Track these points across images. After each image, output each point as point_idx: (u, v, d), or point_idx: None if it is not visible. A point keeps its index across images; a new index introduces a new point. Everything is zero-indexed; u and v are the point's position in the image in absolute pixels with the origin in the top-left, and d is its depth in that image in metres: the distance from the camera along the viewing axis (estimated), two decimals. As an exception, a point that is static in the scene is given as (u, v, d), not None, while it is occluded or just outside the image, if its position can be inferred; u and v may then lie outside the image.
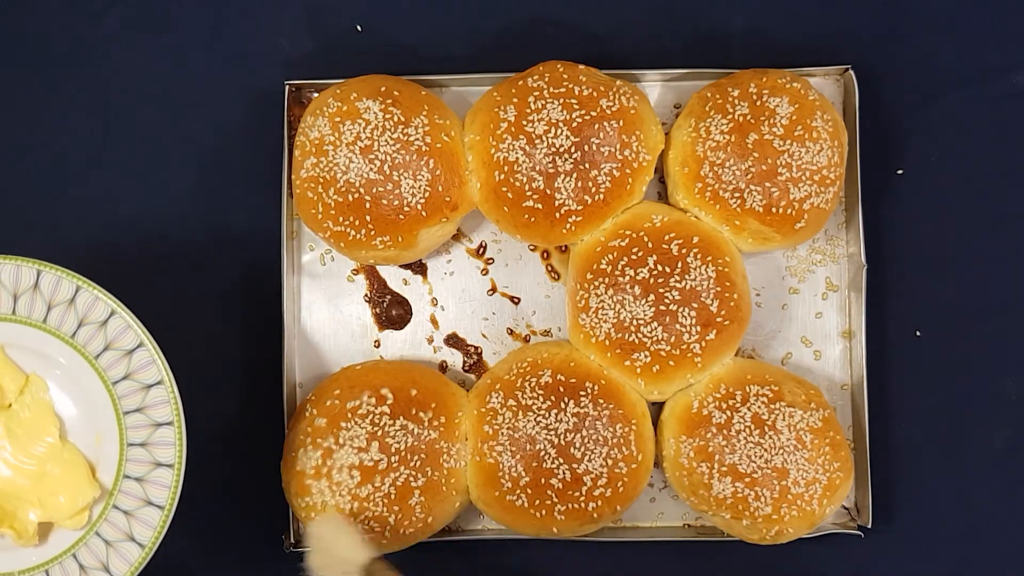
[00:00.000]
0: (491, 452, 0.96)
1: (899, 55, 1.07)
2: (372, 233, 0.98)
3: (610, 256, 0.98)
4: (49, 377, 0.93)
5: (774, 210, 0.98)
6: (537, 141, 0.97)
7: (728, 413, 0.96)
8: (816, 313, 1.05)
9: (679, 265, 0.97)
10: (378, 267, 1.06)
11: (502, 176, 0.97)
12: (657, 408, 1.02)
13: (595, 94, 0.98)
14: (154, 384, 0.91)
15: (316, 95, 1.03)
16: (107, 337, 0.91)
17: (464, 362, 1.05)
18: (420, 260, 1.05)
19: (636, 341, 0.96)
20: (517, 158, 0.97)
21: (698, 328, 0.96)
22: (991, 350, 1.05)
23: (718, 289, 0.97)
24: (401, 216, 0.97)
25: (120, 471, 0.92)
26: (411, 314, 1.06)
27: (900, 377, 1.05)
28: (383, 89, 0.98)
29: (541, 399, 0.96)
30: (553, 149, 0.97)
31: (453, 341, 1.05)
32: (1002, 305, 1.06)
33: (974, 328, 1.05)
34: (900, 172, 1.06)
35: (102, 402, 0.92)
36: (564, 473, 0.95)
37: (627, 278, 0.97)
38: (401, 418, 0.96)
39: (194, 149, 1.07)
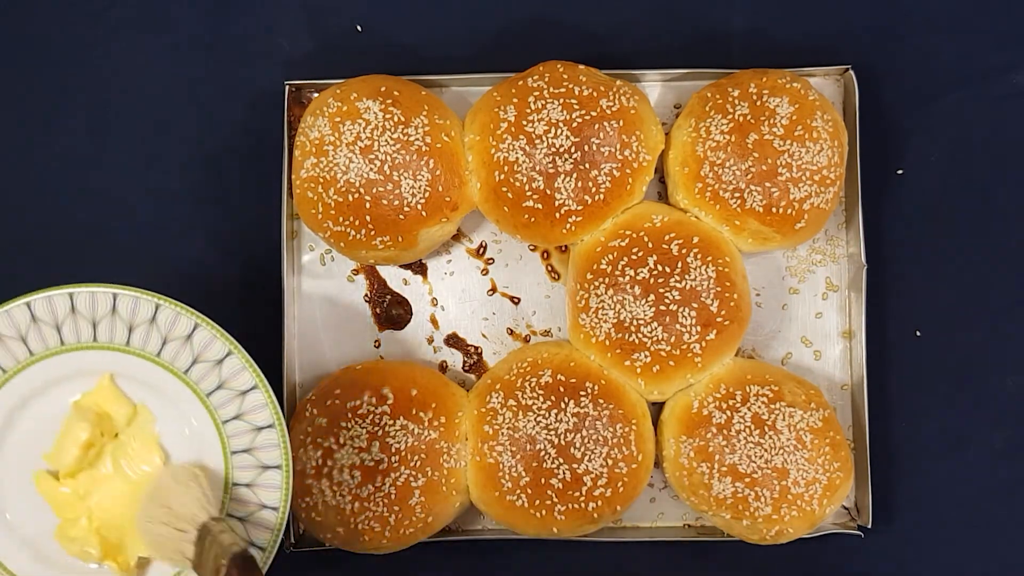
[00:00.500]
0: (491, 452, 0.96)
1: (899, 55, 1.07)
2: (372, 233, 0.98)
3: (610, 256, 0.98)
4: (158, 410, 0.92)
5: (774, 210, 0.98)
6: (537, 141, 0.97)
7: (728, 413, 0.96)
8: (816, 313, 1.05)
9: (679, 265, 0.97)
10: (378, 267, 1.06)
11: (502, 176, 0.97)
12: (657, 408, 1.02)
13: (595, 94, 0.98)
14: (265, 427, 0.90)
15: (316, 95, 1.03)
16: (221, 376, 0.90)
17: (464, 362, 1.06)
18: (420, 260, 1.05)
19: (636, 341, 0.96)
20: (517, 158, 0.97)
21: (698, 328, 0.96)
22: (991, 350, 1.05)
23: (718, 289, 0.97)
24: (401, 216, 0.97)
25: (223, 510, 0.91)
26: (411, 314, 1.06)
27: (900, 377, 1.05)
28: (383, 89, 0.98)
29: (541, 399, 0.96)
30: (553, 149, 0.97)
31: (453, 341, 1.05)
32: (1002, 305, 1.06)
33: (974, 328, 1.05)
34: (900, 172, 1.06)
35: (210, 440, 0.91)
36: (564, 473, 0.95)
37: (627, 278, 0.97)
38: (401, 418, 0.96)
39: (194, 149, 1.07)
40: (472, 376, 1.05)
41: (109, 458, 0.92)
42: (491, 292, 1.06)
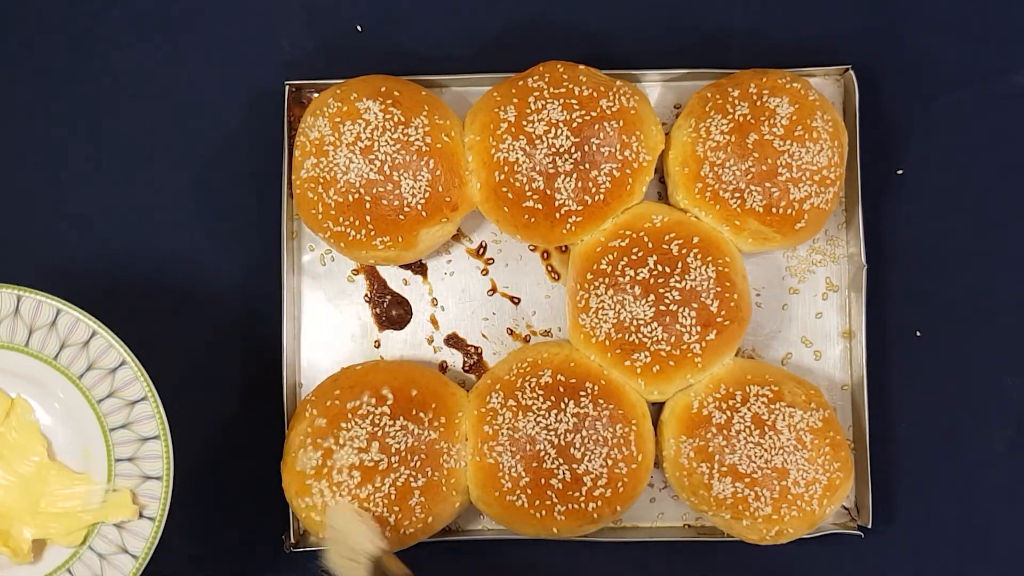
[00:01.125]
0: (491, 452, 0.96)
1: (899, 55, 1.07)
2: (372, 233, 0.98)
3: (610, 256, 0.98)
4: (34, 399, 0.96)
5: (774, 210, 0.98)
6: (537, 141, 0.97)
7: (728, 413, 0.96)
8: (816, 313, 1.05)
9: (679, 265, 0.97)
10: (378, 267, 1.06)
11: (502, 176, 0.97)
12: (657, 408, 1.02)
13: (595, 94, 0.98)
14: (139, 400, 0.93)
15: (316, 95, 1.03)
16: (90, 357, 0.93)
17: (464, 362, 1.06)
18: (420, 260, 1.05)
19: (636, 341, 0.96)
20: (517, 158, 0.97)
21: (698, 328, 0.96)
22: (991, 350, 1.05)
23: (718, 289, 0.97)
24: (401, 216, 0.97)
25: (111, 486, 0.94)
26: (411, 314, 1.06)
27: (900, 377, 1.05)
28: (383, 89, 0.98)
29: (541, 399, 0.96)
30: (553, 149, 0.97)
31: (453, 341, 1.05)
32: (1002, 305, 1.06)
33: (974, 328, 1.05)
34: (900, 172, 1.06)
35: (88, 421, 0.94)
36: (564, 473, 0.95)
37: (627, 278, 0.97)
38: (401, 418, 0.96)
39: (194, 149, 1.07)
40: (472, 376, 1.05)
41: None
42: (491, 292, 1.06)
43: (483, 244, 1.06)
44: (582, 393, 0.96)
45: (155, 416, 0.93)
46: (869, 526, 1.01)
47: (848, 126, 1.03)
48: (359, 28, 1.08)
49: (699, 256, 0.97)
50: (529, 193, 0.97)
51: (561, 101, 0.97)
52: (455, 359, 1.06)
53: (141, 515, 0.93)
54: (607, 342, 0.97)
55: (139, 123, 1.07)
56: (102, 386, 0.93)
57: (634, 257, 0.97)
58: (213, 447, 1.05)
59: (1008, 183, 1.06)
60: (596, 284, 0.98)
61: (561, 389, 0.96)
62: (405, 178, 0.97)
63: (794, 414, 0.96)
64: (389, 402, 0.96)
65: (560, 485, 0.95)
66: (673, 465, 0.98)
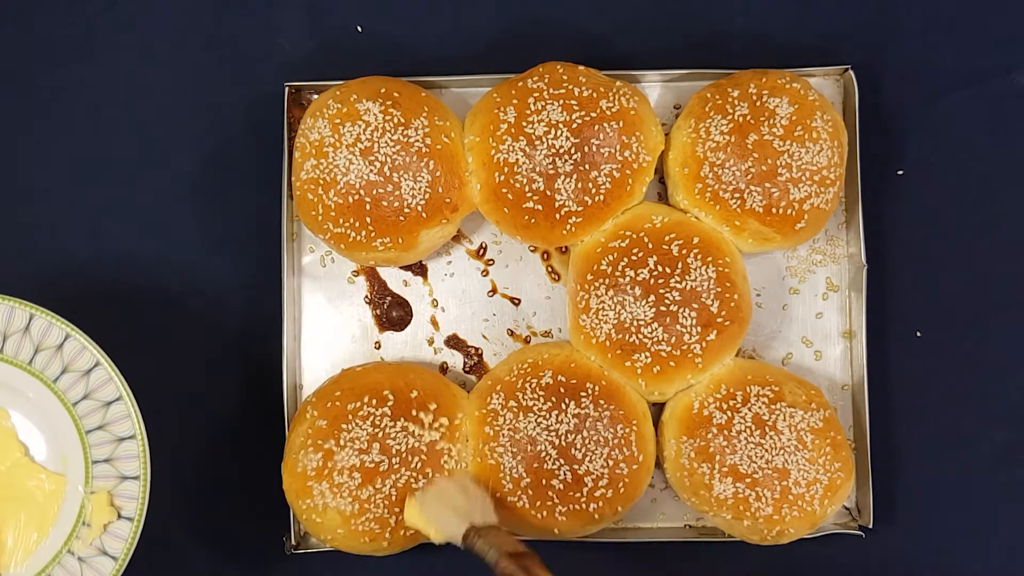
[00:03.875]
0: (492, 453, 0.96)
1: (899, 55, 1.07)
2: (372, 235, 0.98)
3: (610, 257, 0.98)
4: (9, 405, 0.96)
5: (774, 210, 0.98)
6: (537, 142, 0.97)
7: (729, 413, 0.96)
8: (816, 313, 1.05)
9: (679, 266, 0.97)
10: (378, 268, 1.06)
11: (502, 177, 0.97)
12: (658, 409, 1.02)
13: (595, 95, 0.98)
14: (113, 401, 0.93)
15: (316, 97, 1.03)
16: (64, 360, 0.93)
17: (465, 363, 1.06)
18: (420, 261, 1.05)
19: (636, 342, 0.96)
20: (517, 159, 0.97)
21: (698, 329, 0.96)
22: (991, 350, 1.05)
23: (718, 290, 0.97)
24: (401, 218, 0.97)
25: (88, 488, 0.94)
26: (411, 315, 1.06)
27: (900, 377, 1.05)
28: (383, 91, 0.98)
29: (542, 400, 0.96)
30: (553, 150, 0.97)
31: (454, 342, 1.05)
32: (1002, 305, 1.06)
33: (974, 328, 1.05)
34: (900, 172, 1.06)
35: (64, 424, 0.94)
36: (565, 474, 0.95)
37: (627, 279, 0.97)
38: (402, 419, 0.96)
39: (194, 150, 1.07)
40: (472, 377, 1.05)
41: None
42: (491, 293, 1.06)
43: (483, 245, 1.06)
44: (583, 394, 0.96)
45: (130, 415, 0.93)
46: (870, 526, 1.01)
47: (848, 126, 1.03)
48: (359, 29, 1.08)
49: (699, 256, 0.97)
50: (529, 194, 0.97)
51: (561, 102, 0.97)
52: (455, 360, 1.06)
53: (120, 516, 0.93)
54: (607, 343, 0.97)
55: (139, 124, 1.07)
56: (77, 388, 0.94)
57: (634, 258, 0.97)
58: (213, 448, 1.05)
59: (1008, 183, 1.06)
60: (596, 285, 0.98)
61: (562, 390, 0.96)
62: (405, 179, 0.97)
63: (795, 414, 0.96)
64: (390, 403, 0.96)
65: (561, 486, 0.95)
66: (674, 466, 0.98)
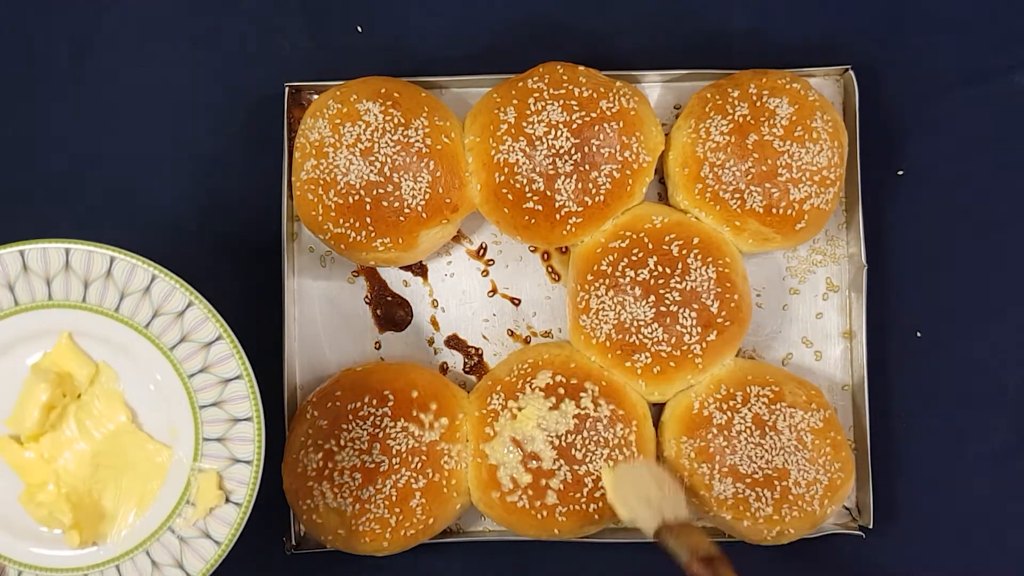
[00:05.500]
0: (492, 453, 0.96)
1: (899, 55, 1.07)
2: (372, 235, 0.98)
3: (610, 257, 0.98)
4: (121, 367, 0.90)
5: (774, 211, 0.98)
6: (537, 143, 0.96)
7: (729, 414, 0.96)
8: (817, 313, 1.05)
9: (679, 266, 0.97)
10: (378, 269, 1.06)
11: (502, 178, 0.97)
12: (658, 409, 1.02)
13: (595, 95, 0.98)
14: (233, 379, 0.88)
15: (316, 97, 1.03)
16: (183, 328, 0.88)
17: (465, 363, 1.05)
18: (420, 262, 1.05)
19: (637, 342, 0.96)
20: (517, 159, 0.97)
21: (699, 329, 0.96)
22: (991, 350, 1.05)
23: (719, 290, 0.97)
24: (401, 218, 0.97)
25: (196, 466, 0.89)
26: (411, 316, 1.06)
27: (900, 377, 1.05)
28: (383, 91, 0.98)
29: (542, 400, 0.96)
30: (553, 150, 0.96)
31: (454, 342, 1.05)
32: (1002, 305, 1.06)
33: (974, 328, 1.05)
34: (900, 172, 1.06)
35: (177, 395, 0.89)
36: (565, 474, 0.95)
37: (627, 279, 0.97)
38: (402, 420, 0.96)
39: (194, 150, 1.07)
40: (473, 377, 1.05)
41: (73, 419, 0.90)
42: (491, 293, 1.06)
43: (483, 245, 1.06)
44: (583, 394, 0.96)
45: (249, 396, 0.87)
46: (870, 526, 1.01)
47: (848, 126, 1.03)
48: (359, 29, 1.08)
49: (699, 257, 0.97)
50: (529, 194, 0.97)
51: (561, 102, 0.97)
52: (456, 360, 1.06)
53: (228, 500, 0.88)
54: (607, 343, 0.97)
55: (139, 124, 1.07)
56: (195, 360, 0.88)
57: (634, 258, 0.97)
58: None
59: (1008, 183, 1.06)
60: (596, 285, 0.98)
61: (562, 390, 0.96)
62: (405, 180, 0.97)
63: (795, 414, 0.96)
64: (390, 404, 0.96)
65: (561, 486, 0.95)
66: (674, 466, 0.98)
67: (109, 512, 0.90)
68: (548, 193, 0.97)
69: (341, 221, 0.98)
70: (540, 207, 0.97)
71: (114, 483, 0.90)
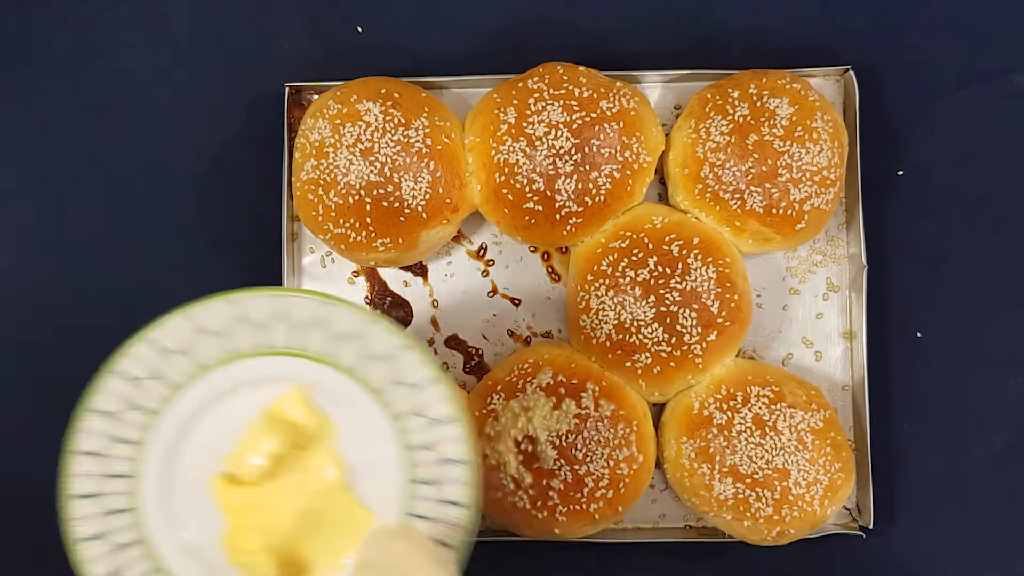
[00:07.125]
0: (493, 453, 0.96)
1: (899, 55, 1.07)
2: (373, 235, 0.98)
3: (610, 257, 0.98)
4: (344, 425, 0.85)
5: (774, 211, 0.98)
6: (537, 143, 0.96)
7: (729, 414, 0.96)
8: (817, 314, 1.05)
9: (680, 266, 0.97)
10: (378, 269, 1.06)
11: (502, 178, 0.97)
12: (658, 409, 1.02)
13: (595, 96, 0.98)
14: (454, 460, 0.83)
15: (316, 97, 1.03)
16: (420, 402, 0.84)
17: (465, 363, 1.06)
18: (420, 262, 1.05)
19: (637, 342, 0.96)
20: (517, 160, 0.97)
21: (699, 329, 0.96)
22: (991, 350, 1.05)
23: (719, 290, 0.97)
24: (402, 218, 0.97)
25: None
26: (412, 316, 1.06)
27: (900, 377, 1.05)
28: (383, 91, 0.98)
29: (542, 400, 0.96)
30: (553, 151, 0.96)
31: (454, 343, 1.05)
32: (1002, 305, 1.06)
33: (974, 328, 1.05)
34: (900, 172, 1.06)
35: (395, 465, 0.84)
36: (566, 474, 0.95)
37: (627, 279, 0.97)
38: (402, 420, 0.96)
39: (194, 151, 1.07)
40: (473, 378, 1.05)
41: (292, 470, 0.85)
42: (491, 293, 1.06)
43: (483, 245, 1.06)
44: (583, 394, 0.96)
45: (467, 483, 0.83)
46: (870, 527, 1.01)
47: (848, 127, 1.03)
48: (359, 29, 1.08)
49: (699, 257, 0.97)
50: (529, 194, 0.97)
51: (561, 102, 0.97)
52: (456, 360, 1.06)
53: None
54: (608, 343, 0.97)
55: (139, 125, 1.07)
56: (422, 435, 0.84)
57: (634, 258, 0.97)
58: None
59: (1008, 183, 1.06)
60: (596, 285, 0.98)
61: (562, 390, 0.97)
62: (405, 180, 0.97)
63: (795, 415, 0.96)
64: (390, 404, 0.96)
65: (561, 486, 0.95)
66: (674, 466, 0.99)
67: (306, 570, 0.86)
68: (548, 193, 0.97)
69: (341, 221, 0.98)
70: (540, 207, 0.97)
71: (314, 540, 0.86)
